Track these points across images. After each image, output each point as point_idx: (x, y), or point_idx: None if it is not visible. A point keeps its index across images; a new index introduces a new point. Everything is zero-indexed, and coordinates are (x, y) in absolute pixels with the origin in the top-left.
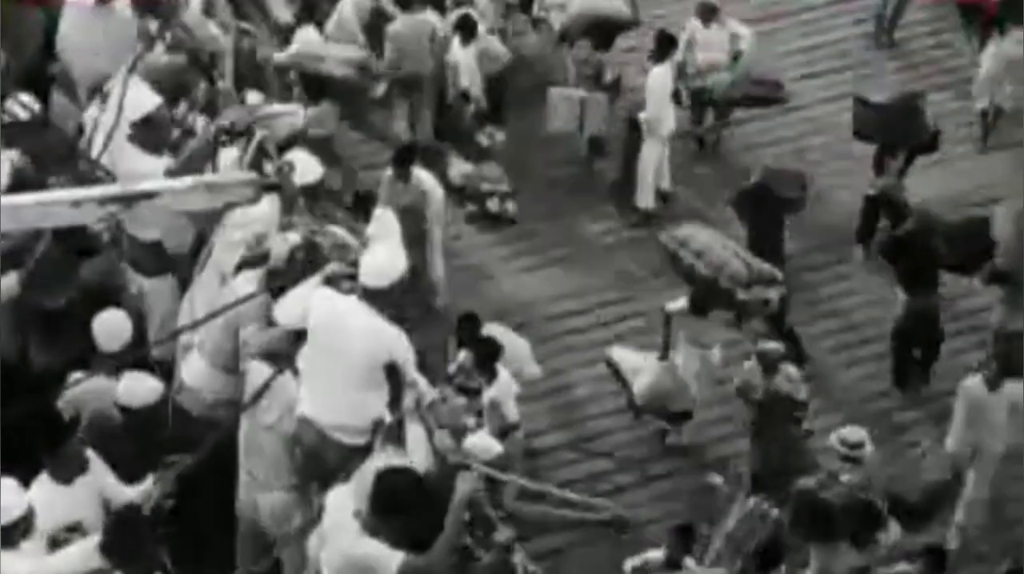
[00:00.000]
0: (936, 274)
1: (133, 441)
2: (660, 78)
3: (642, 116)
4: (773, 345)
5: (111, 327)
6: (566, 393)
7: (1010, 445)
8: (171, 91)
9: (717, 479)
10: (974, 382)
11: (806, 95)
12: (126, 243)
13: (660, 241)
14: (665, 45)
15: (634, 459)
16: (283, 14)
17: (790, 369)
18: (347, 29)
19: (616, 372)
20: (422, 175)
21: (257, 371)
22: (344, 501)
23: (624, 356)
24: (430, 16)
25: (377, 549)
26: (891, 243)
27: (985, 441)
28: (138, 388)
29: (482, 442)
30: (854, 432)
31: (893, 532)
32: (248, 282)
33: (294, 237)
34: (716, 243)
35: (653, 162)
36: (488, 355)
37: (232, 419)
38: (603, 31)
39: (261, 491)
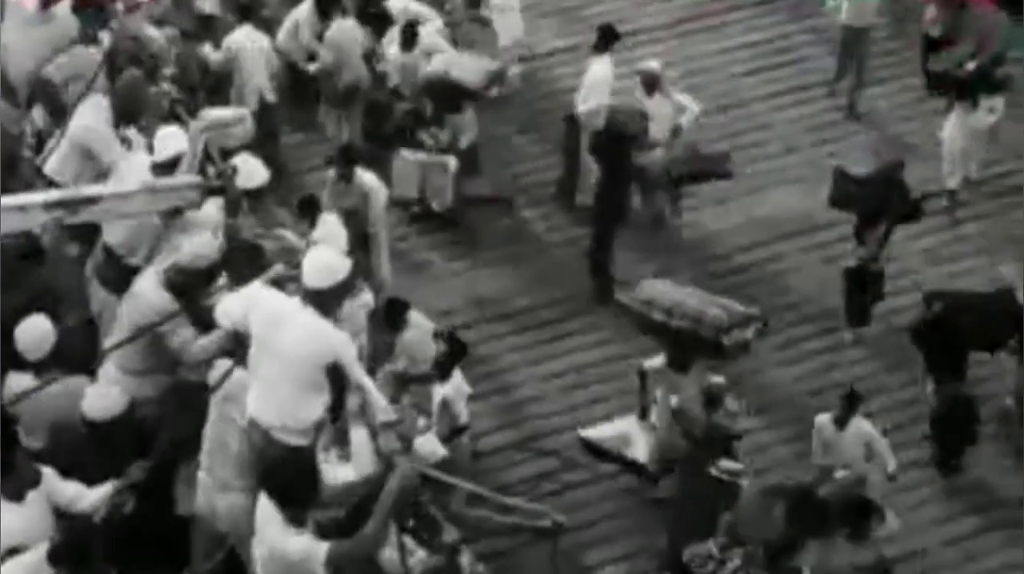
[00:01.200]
0: (965, 359)
1: (98, 453)
2: (600, 71)
3: (581, 110)
4: (717, 379)
5: (34, 335)
6: (513, 392)
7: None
8: (130, 109)
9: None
10: (824, 420)
11: (748, 91)
12: (100, 258)
13: (623, 303)
14: (606, 38)
15: (581, 458)
16: (206, 4)
17: (731, 402)
18: (301, 38)
19: (597, 451)
20: (365, 176)
21: (220, 365)
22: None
23: (600, 433)
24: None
25: (303, 542)
26: (920, 330)
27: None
28: (104, 401)
29: (427, 445)
30: (732, 464)
31: (890, 525)
32: (148, 281)
33: (212, 241)
34: (683, 295)
35: None
36: (453, 354)
37: (183, 422)
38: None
39: (220, 492)
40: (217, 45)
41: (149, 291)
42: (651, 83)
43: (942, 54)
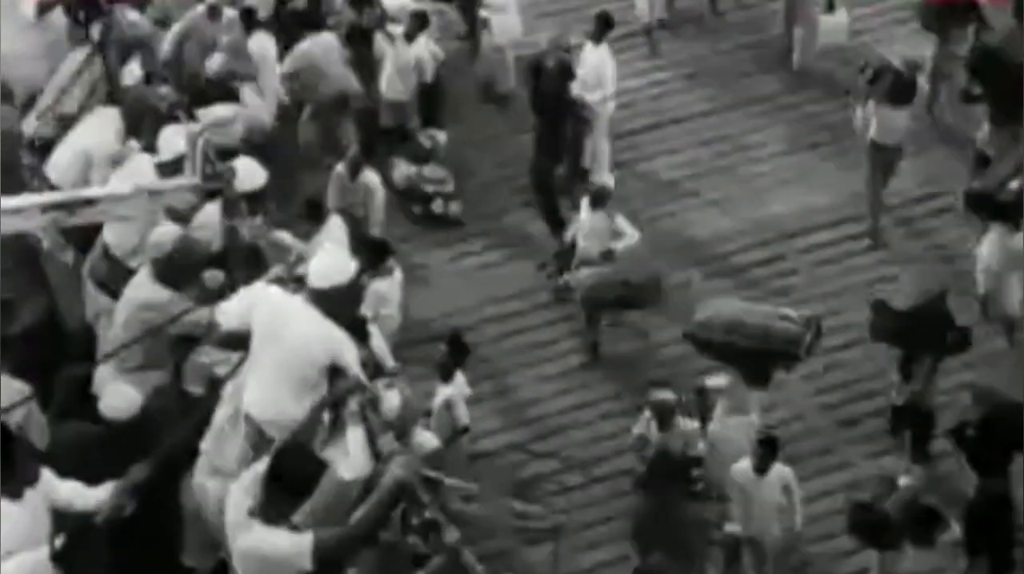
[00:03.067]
0: (1010, 459)
1: (115, 453)
2: (601, 58)
3: (591, 98)
4: (667, 394)
5: None
6: (512, 394)
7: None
8: (137, 121)
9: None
10: (742, 467)
11: (745, 92)
12: (98, 258)
13: (686, 334)
14: (603, 26)
15: (579, 460)
16: None
17: (686, 424)
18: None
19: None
20: (368, 175)
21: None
22: (240, 500)
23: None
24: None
25: (287, 536)
26: (964, 430)
27: (756, 527)
28: (119, 401)
29: (418, 437)
30: (734, 527)
31: (955, 531)
32: (137, 278)
33: (172, 228)
34: (741, 313)
35: (604, 136)
36: (456, 355)
37: (186, 425)
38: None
39: (212, 476)
40: None
41: (136, 287)
42: (599, 198)
43: (986, 173)
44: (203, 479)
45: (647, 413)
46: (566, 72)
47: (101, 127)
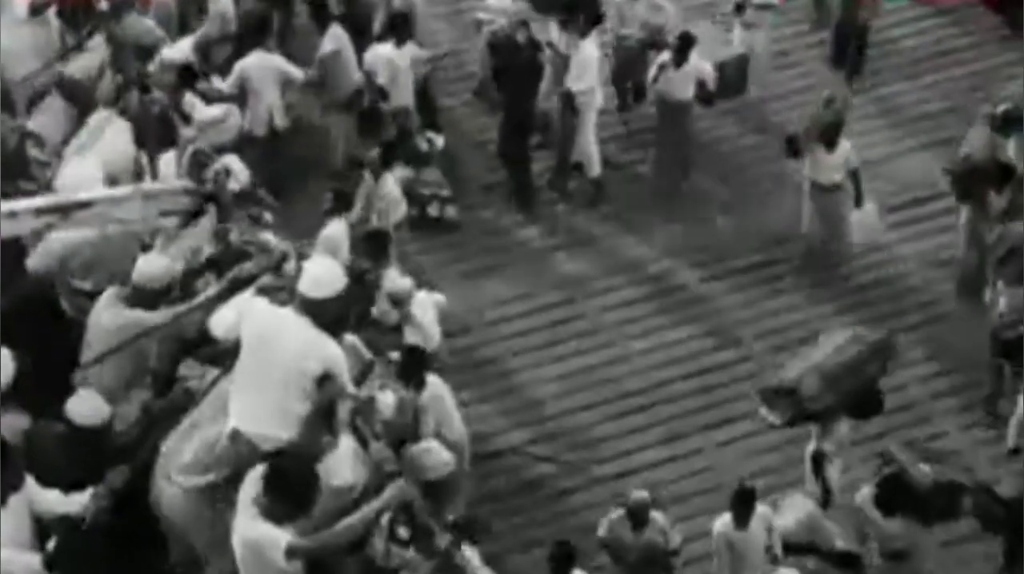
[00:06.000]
0: None
1: (79, 458)
2: (589, 50)
3: (576, 88)
4: (642, 495)
5: None
6: (509, 398)
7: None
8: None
9: None
10: (723, 523)
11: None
12: (72, 298)
13: (794, 419)
14: (591, 20)
15: (577, 463)
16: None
17: (659, 517)
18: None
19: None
20: (389, 183)
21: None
22: (251, 485)
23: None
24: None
25: (268, 530)
26: None
27: None
28: (86, 408)
29: (434, 457)
30: None
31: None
32: (100, 304)
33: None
34: (822, 363)
35: (592, 132)
36: (415, 363)
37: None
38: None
39: (166, 483)
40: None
41: (99, 313)
42: (399, 300)
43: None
44: (159, 485)
45: (620, 512)
46: (537, 45)
47: (122, 141)
